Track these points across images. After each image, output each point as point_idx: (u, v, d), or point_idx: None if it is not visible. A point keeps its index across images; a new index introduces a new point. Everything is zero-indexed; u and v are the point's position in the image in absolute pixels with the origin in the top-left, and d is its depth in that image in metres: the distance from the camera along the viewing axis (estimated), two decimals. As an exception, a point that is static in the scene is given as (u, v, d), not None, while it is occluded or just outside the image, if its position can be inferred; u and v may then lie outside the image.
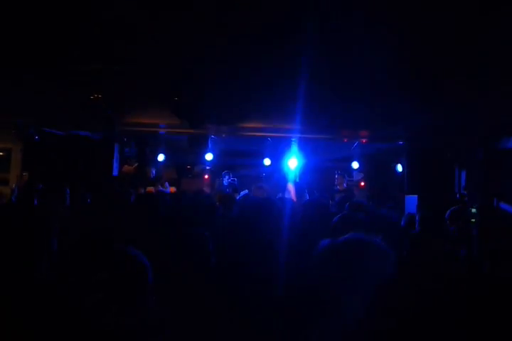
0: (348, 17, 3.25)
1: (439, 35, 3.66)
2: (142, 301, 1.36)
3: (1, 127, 8.04)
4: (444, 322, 1.84)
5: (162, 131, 8.16)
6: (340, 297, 1.26)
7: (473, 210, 3.48)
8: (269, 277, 2.19)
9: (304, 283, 1.42)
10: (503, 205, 6.58)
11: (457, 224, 3.49)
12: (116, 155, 9.04)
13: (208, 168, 10.81)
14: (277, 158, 9.29)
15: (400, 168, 9.28)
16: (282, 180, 8.07)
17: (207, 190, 8.91)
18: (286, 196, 6.69)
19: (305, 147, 8.77)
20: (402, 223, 4.10)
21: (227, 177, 9.62)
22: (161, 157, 9.80)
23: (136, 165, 9.27)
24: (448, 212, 3.70)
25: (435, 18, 3.29)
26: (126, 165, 9.18)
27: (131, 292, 1.35)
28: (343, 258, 1.29)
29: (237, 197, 8.04)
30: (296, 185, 6.82)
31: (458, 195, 8.06)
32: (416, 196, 7.84)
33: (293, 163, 8.82)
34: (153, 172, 9.36)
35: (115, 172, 8.93)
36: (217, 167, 10.47)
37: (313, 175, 9.93)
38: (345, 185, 9.54)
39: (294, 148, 8.65)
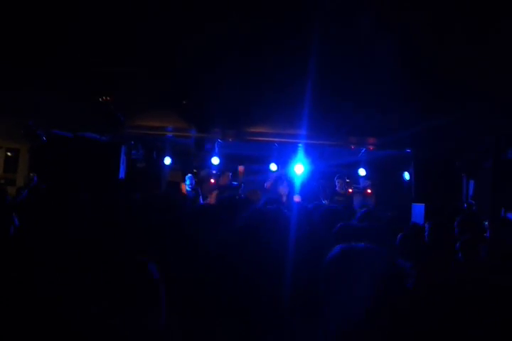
0: (358, 22, 3.24)
1: (449, 42, 3.64)
2: (153, 312, 1.30)
3: (9, 128, 8.09)
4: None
5: (169, 134, 8.17)
6: (348, 304, 1.23)
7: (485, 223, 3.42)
8: (275, 285, 2.15)
9: (313, 290, 1.40)
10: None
11: (466, 233, 3.44)
12: (123, 157, 9.06)
13: (214, 172, 10.79)
14: (284, 163, 9.24)
15: (407, 175, 9.20)
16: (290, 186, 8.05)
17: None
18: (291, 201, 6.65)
19: (312, 152, 8.72)
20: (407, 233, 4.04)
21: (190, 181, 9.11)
22: (167, 160, 9.81)
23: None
24: (456, 221, 3.64)
25: (447, 25, 3.27)
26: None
27: (139, 303, 1.29)
28: (354, 266, 1.27)
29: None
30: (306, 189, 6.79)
31: (465, 204, 7.99)
32: (423, 204, 7.78)
33: (299, 168, 8.77)
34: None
35: (121, 175, 8.93)
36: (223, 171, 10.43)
37: (319, 181, 9.88)
38: (347, 189, 9.05)
39: (301, 153, 8.61)
